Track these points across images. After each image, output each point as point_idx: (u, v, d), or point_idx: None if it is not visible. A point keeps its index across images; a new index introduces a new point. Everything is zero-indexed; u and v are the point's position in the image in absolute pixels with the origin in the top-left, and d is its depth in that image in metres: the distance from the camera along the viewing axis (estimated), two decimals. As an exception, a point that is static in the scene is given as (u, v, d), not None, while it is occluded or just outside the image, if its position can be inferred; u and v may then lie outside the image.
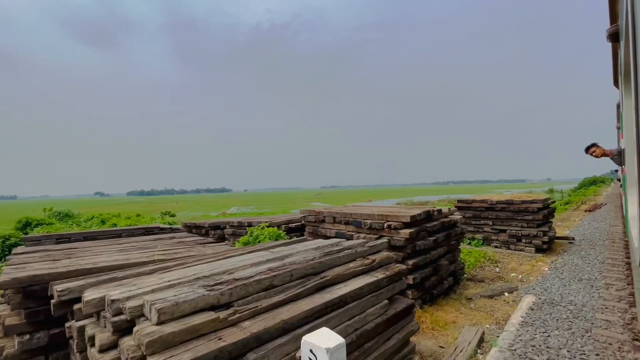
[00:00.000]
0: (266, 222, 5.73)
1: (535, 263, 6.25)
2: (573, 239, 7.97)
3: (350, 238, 4.34)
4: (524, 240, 7.15)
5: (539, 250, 7.00)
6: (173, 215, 18.85)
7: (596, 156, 4.87)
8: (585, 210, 15.42)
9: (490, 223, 7.66)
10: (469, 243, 7.94)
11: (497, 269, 5.94)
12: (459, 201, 8.21)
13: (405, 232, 3.89)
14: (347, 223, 4.61)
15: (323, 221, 5.00)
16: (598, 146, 4.84)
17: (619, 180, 10.43)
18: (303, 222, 5.44)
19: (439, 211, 4.67)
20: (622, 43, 3.88)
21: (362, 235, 4.31)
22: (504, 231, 7.51)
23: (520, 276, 5.52)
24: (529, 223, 7.09)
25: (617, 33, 4.27)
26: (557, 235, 8.27)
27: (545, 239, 6.88)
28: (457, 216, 5.04)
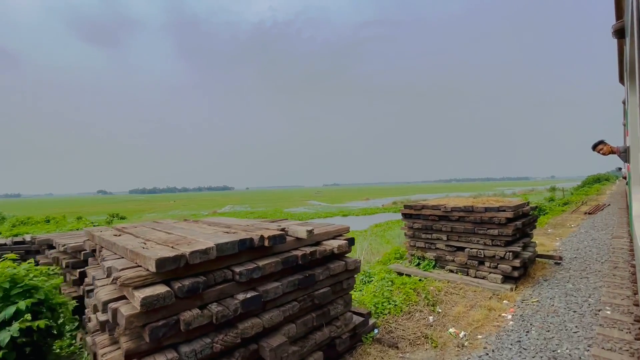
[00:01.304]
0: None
1: (495, 304, 4.13)
2: (560, 258, 5.84)
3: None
4: (487, 264, 5.03)
5: (508, 278, 4.89)
6: (123, 218, 16.85)
7: (603, 154, 4.75)
8: (585, 213, 13.23)
9: (445, 238, 5.54)
10: (418, 264, 5.84)
11: (432, 318, 3.82)
12: (405, 206, 6.08)
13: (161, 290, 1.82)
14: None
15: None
16: (605, 144, 4.73)
17: (624, 177, 10.26)
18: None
19: (276, 237, 2.48)
20: (627, 39, 3.83)
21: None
22: (462, 249, 5.39)
23: (462, 334, 3.42)
24: (494, 240, 4.97)
25: (622, 29, 4.26)
26: (539, 253, 6.15)
27: (516, 262, 4.76)
28: (334, 243, 2.92)
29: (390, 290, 4.38)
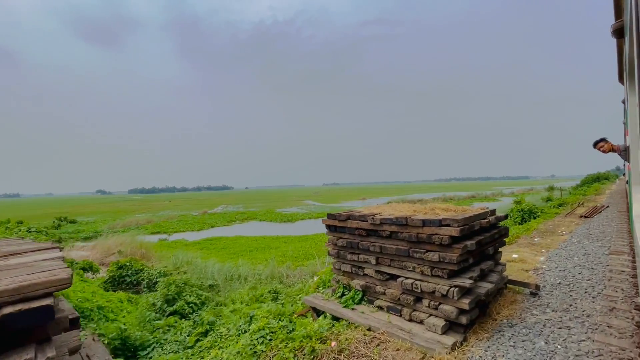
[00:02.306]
0: None
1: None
2: (537, 288, 4.24)
3: None
4: (426, 302, 3.46)
5: (454, 325, 3.31)
6: (73, 222, 15.26)
7: (604, 151, 4.69)
8: (581, 216, 11.66)
9: (373, 261, 3.95)
10: (341, 295, 4.26)
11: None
12: (329, 216, 4.47)
13: None
14: None
15: None
16: (607, 141, 4.69)
17: (624, 175, 10.36)
18: None
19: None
20: (627, 39, 3.84)
21: None
22: (395, 278, 3.82)
23: None
24: (434, 268, 3.39)
25: (622, 29, 4.29)
26: (511, 278, 4.56)
27: (464, 303, 3.18)
28: None
29: (264, 352, 2.81)
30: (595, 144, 4.73)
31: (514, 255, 5.96)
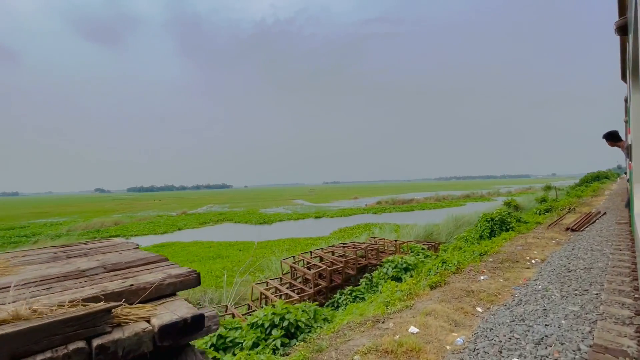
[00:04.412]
0: None
1: None
2: None
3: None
4: None
5: None
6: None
7: (610, 144, 4.94)
8: (567, 229, 8.85)
9: None
10: None
11: None
12: None
13: None
14: None
15: None
16: (616, 139, 4.86)
17: (626, 173, 10.33)
18: None
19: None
20: (630, 36, 3.83)
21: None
22: None
23: None
24: None
25: (625, 26, 4.24)
26: None
27: None
28: None
29: None
30: (609, 137, 4.89)
31: (412, 330, 3.15)
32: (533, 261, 5.40)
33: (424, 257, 8.23)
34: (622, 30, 4.32)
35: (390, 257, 5.73)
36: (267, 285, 8.86)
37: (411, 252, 9.02)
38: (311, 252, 9.80)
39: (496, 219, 9.17)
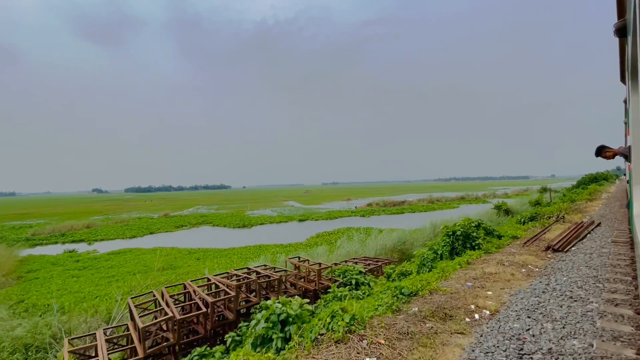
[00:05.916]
0: None
1: None
2: None
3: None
4: None
5: None
6: None
7: (609, 158, 4.58)
8: (548, 248, 6.84)
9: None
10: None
11: None
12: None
13: None
14: None
15: None
16: (609, 148, 4.53)
17: (625, 175, 10.81)
18: None
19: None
20: (629, 38, 3.80)
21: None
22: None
23: None
24: None
25: (624, 28, 4.26)
26: None
27: None
28: None
29: None
30: (598, 153, 4.54)
31: None
32: (477, 316, 3.42)
33: (338, 295, 6.05)
34: (621, 32, 4.37)
35: (269, 302, 3.83)
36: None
37: (344, 277, 7.06)
38: (228, 272, 7.79)
39: (458, 233, 7.14)
